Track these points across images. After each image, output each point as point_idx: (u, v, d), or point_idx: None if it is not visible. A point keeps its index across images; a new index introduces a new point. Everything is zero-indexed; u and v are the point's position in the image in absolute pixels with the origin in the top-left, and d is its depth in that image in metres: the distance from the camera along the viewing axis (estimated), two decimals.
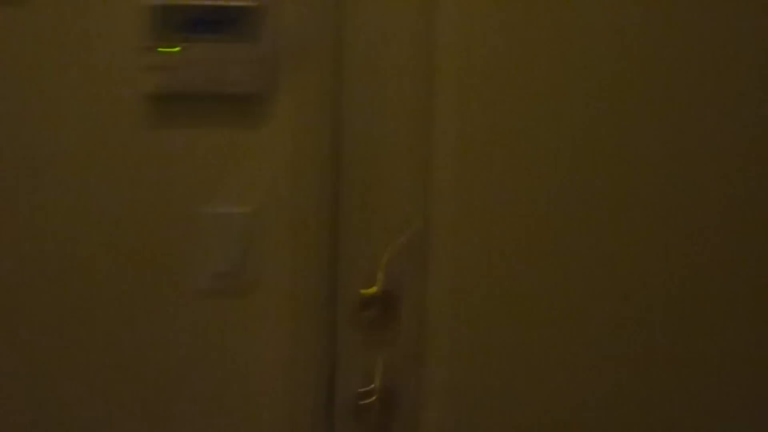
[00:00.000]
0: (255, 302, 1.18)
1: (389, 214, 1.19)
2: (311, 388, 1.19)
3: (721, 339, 1.22)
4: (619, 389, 1.21)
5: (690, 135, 1.17)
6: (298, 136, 1.17)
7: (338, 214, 1.19)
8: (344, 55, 1.18)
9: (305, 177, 1.18)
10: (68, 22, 1.13)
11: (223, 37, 1.15)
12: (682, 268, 1.20)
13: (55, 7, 1.11)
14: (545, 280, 1.20)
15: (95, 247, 1.16)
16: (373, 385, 1.20)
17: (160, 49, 1.14)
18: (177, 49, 1.15)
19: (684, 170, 1.17)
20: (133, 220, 1.16)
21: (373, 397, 1.19)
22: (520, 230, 1.19)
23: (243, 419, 1.19)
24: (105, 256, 1.16)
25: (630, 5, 1.16)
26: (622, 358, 1.21)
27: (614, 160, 1.18)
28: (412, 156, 1.19)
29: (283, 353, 1.19)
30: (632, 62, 1.17)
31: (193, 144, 1.17)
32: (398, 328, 1.20)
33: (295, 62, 1.16)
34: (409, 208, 1.20)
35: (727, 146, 1.17)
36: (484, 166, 1.18)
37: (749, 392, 1.22)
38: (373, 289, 1.20)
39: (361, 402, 1.20)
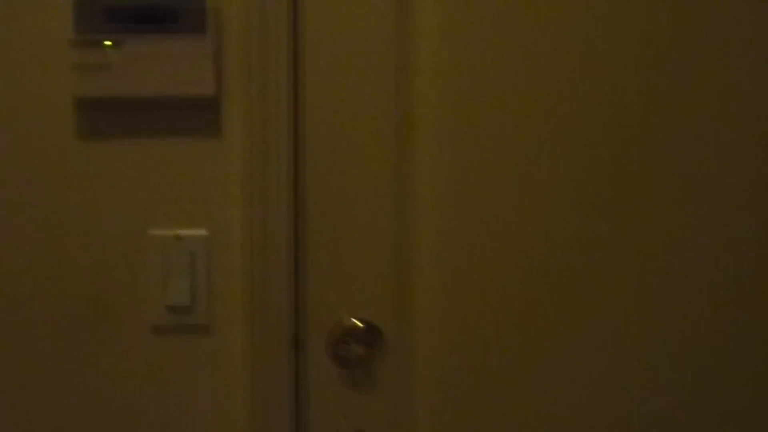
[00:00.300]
0: (214, 338, 1.07)
1: (364, 232, 1.06)
2: None
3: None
4: None
5: (697, 146, 1.07)
6: (258, 145, 1.04)
7: (306, 234, 1.06)
8: (307, 51, 1.04)
9: (268, 192, 1.04)
10: None
11: (169, 31, 1.00)
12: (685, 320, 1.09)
13: None
14: (543, 313, 1.08)
15: (28, 279, 1.06)
16: None
17: (94, 46, 1.00)
18: (109, 43, 0.98)
19: (690, 194, 1.07)
20: (71, 247, 1.05)
21: None
22: (515, 254, 1.07)
23: None
24: (40, 290, 1.06)
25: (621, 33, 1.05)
26: (621, 409, 1.09)
27: (614, 206, 1.07)
28: (392, 164, 1.05)
29: (247, 396, 1.06)
30: (625, 103, 1.06)
31: (136, 156, 1.05)
32: (381, 367, 1.07)
33: (254, 60, 1.02)
34: (388, 224, 1.06)
35: (730, 156, 1.07)
36: (472, 187, 1.06)
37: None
38: (351, 322, 1.04)
39: None
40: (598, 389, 1.08)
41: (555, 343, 1.08)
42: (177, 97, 1.01)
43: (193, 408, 1.07)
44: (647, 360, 1.08)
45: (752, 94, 1.05)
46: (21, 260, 1.04)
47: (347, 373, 1.07)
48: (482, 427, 1.09)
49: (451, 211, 1.06)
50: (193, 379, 1.06)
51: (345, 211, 1.05)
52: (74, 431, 1.07)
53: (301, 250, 1.06)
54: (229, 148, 1.04)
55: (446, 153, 1.05)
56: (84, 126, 1.03)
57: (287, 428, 1.06)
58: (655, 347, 1.08)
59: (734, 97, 1.05)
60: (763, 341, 1.08)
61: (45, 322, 1.05)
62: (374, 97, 1.04)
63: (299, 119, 1.04)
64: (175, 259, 1.05)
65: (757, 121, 1.06)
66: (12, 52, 1.01)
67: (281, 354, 1.05)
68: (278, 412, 1.05)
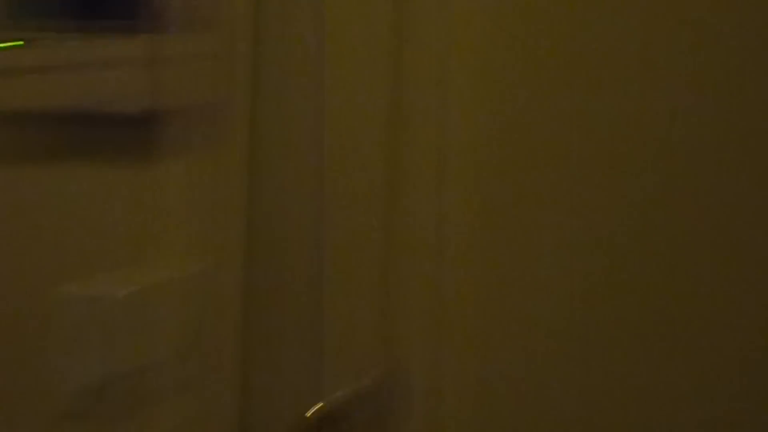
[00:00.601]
0: (137, 429, 0.86)
1: (347, 304, 0.84)
2: None
3: None
4: None
5: None
6: (210, 177, 0.83)
7: (264, 295, 0.85)
8: (279, 56, 0.84)
9: (221, 239, 0.83)
10: None
11: (99, 27, 0.82)
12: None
13: None
14: (590, 378, 0.88)
15: None
16: None
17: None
18: (21, 43, 0.82)
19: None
20: None
21: None
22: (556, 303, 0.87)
23: None
24: None
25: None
26: None
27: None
28: (387, 205, 0.85)
29: None
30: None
31: (50, 190, 0.86)
32: None
33: (209, 68, 0.82)
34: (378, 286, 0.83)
35: None
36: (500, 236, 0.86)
37: None
38: (321, 407, 0.80)
39: None
40: None
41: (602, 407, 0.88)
42: (105, 115, 0.81)
43: None
44: None
45: None
46: None
47: None
48: None
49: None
50: None
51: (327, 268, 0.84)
52: None
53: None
54: (174, 178, 0.84)
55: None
56: None
57: None
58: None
59: None
60: None
61: None
62: (367, 108, 0.84)
63: (270, 145, 0.85)
64: (99, 325, 0.82)
65: None
66: None
67: None
68: None
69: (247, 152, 0.83)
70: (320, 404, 0.81)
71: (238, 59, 0.82)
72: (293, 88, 0.84)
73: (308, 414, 0.80)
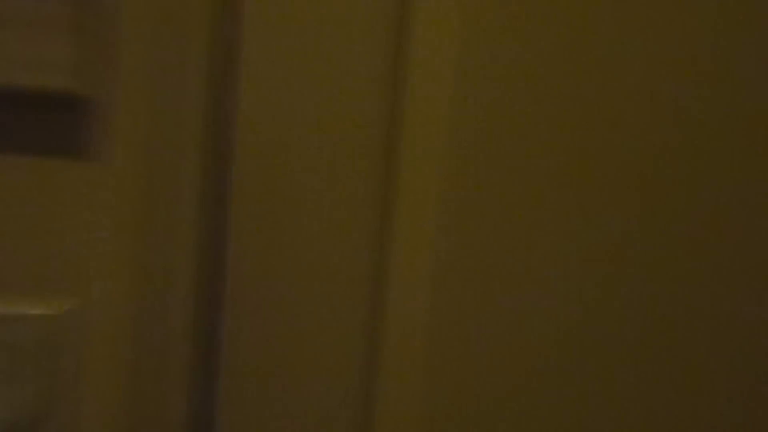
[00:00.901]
0: None
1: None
2: None
3: None
4: None
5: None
6: (153, 172, 0.67)
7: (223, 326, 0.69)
8: (247, 27, 0.67)
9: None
10: None
11: None
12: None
13: None
14: None
15: None
16: None
17: None
18: None
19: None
20: None
21: None
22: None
23: None
24: None
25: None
26: None
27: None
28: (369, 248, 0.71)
29: None
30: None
31: None
32: None
33: (152, 37, 0.66)
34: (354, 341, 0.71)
35: None
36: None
37: None
38: None
39: None
40: None
41: None
42: (26, 91, 0.65)
43: None
44: None
45: None
46: None
47: None
48: None
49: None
50: None
51: (288, 304, 0.69)
52: None
53: (217, 352, 0.69)
54: (104, 177, 0.67)
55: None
56: None
57: None
58: None
59: None
60: None
61: None
62: (351, 117, 0.68)
63: (226, 138, 0.67)
64: (12, 351, 0.67)
65: None
66: None
67: None
68: None
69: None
70: None
71: (198, 36, 0.66)
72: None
73: None
